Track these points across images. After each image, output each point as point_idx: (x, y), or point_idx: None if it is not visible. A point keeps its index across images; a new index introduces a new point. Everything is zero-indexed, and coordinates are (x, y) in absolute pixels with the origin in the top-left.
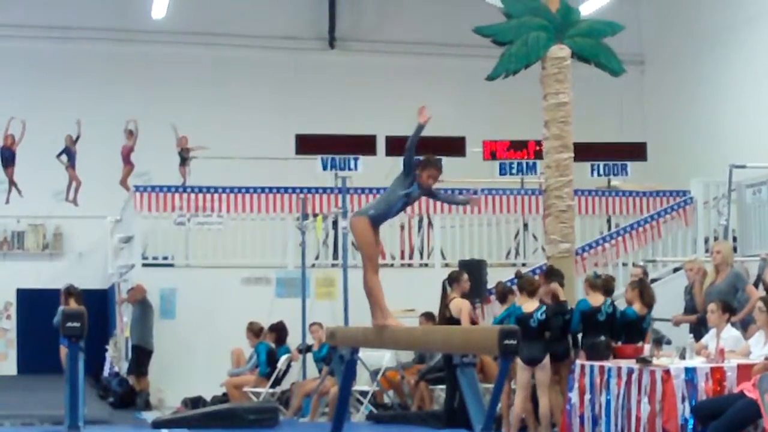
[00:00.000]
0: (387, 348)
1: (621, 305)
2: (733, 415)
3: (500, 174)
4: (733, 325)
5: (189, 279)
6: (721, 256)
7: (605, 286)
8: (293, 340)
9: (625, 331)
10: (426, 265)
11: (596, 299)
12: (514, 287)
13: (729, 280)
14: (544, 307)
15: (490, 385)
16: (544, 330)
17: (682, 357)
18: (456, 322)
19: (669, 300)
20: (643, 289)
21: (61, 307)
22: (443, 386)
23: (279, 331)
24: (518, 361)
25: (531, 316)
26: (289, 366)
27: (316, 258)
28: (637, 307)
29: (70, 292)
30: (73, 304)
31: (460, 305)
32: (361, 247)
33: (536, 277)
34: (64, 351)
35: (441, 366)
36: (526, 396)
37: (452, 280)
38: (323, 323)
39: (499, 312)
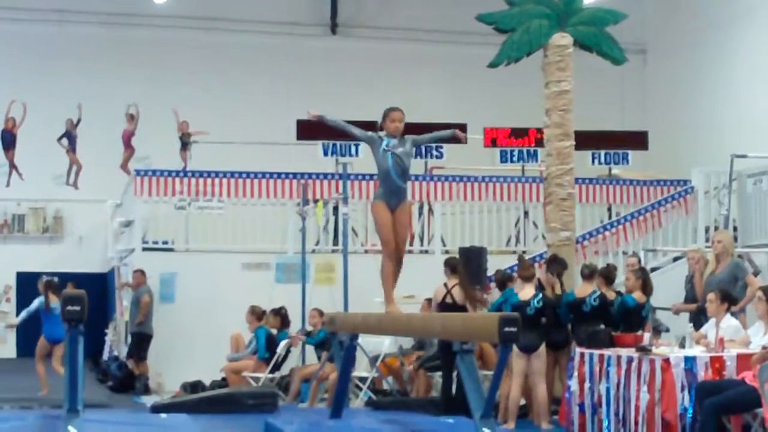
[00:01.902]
0: (386, 334)
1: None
2: (732, 396)
3: (501, 161)
4: (732, 314)
5: (189, 263)
6: (721, 245)
7: (605, 275)
8: (293, 326)
9: (624, 319)
10: (426, 251)
11: (583, 290)
12: (514, 274)
13: (729, 269)
14: (541, 295)
15: (490, 372)
16: (541, 318)
17: (682, 346)
18: (457, 308)
19: (669, 289)
20: (646, 278)
21: (40, 299)
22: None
23: (281, 316)
24: (514, 348)
25: (528, 303)
26: (288, 351)
27: (316, 244)
28: (637, 295)
29: (50, 285)
30: (53, 298)
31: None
32: (376, 231)
33: (536, 266)
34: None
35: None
36: (522, 383)
37: (453, 267)
38: (323, 309)
39: None
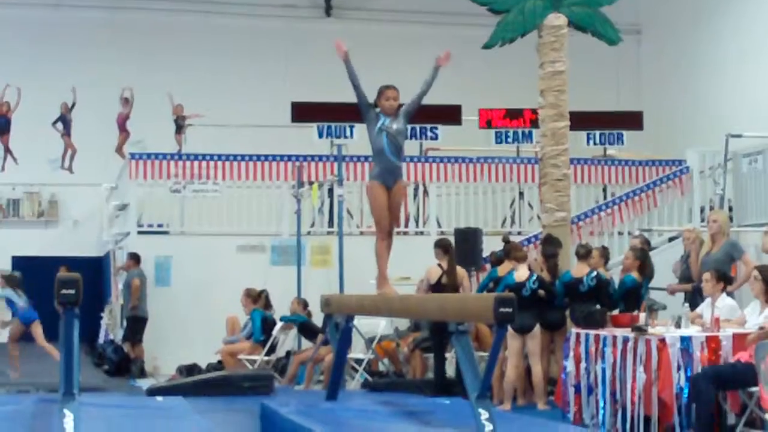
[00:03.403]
0: (382, 316)
1: (616, 274)
2: (729, 370)
3: (496, 142)
4: (728, 294)
5: (184, 246)
6: (717, 225)
7: (605, 255)
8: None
9: (623, 299)
10: (422, 233)
11: (579, 270)
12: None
13: (725, 249)
14: (536, 276)
15: (486, 353)
16: (537, 298)
17: (678, 326)
18: (448, 289)
19: (665, 269)
20: (644, 259)
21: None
22: None
23: (265, 298)
24: (509, 329)
25: (524, 285)
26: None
27: (312, 226)
28: (635, 275)
29: (9, 279)
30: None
31: (462, 274)
32: (371, 211)
33: (531, 246)
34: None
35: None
36: (517, 364)
37: (445, 248)
38: (319, 291)
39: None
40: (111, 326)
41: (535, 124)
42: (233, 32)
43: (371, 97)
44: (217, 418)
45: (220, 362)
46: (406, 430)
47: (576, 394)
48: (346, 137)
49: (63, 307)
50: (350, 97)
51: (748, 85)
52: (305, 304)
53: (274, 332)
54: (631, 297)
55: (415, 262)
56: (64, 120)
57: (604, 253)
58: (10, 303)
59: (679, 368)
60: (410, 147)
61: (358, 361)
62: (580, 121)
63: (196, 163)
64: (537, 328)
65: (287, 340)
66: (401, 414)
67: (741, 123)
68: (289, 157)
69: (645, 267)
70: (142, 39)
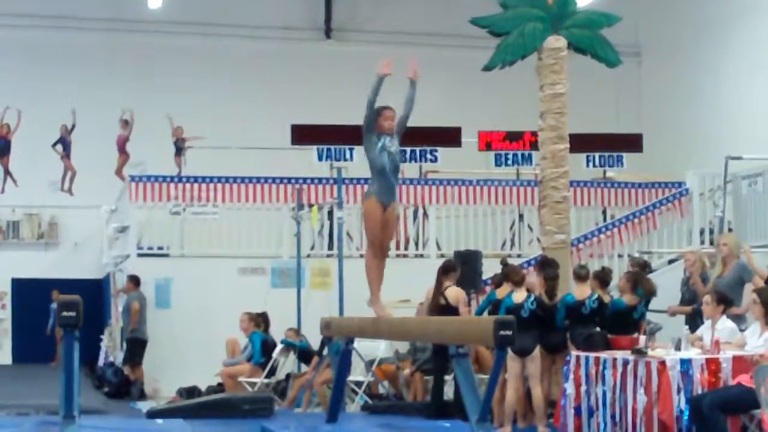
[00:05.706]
0: (382, 338)
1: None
2: (731, 394)
3: (496, 165)
4: (737, 316)
5: (184, 269)
6: (727, 248)
7: (600, 277)
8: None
9: (616, 321)
10: (421, 255)
11: (581, 292)
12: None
13: (736, 272)
14: (533, 297)
15: (486, 376)
16: (536, 320)
17: (678, 348)
18: (451, 310)
19: (665, 291)
20: (638, 280)
21: None
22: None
23: (264, 321)
24: (509, 351)
25: (522, 306)
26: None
27: (312, 248)
28: (627, 297)
29: None
30: None
31: (458, 294)
32: (365, 229)
33: (531, 269)
34: None
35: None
36: (517, 386)
37: (448, 269)
38: (319, 314)
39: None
40: (111, 348)
41: (534, 146)
42: (233, 54)
43: None
44: None
45: (220, 384)
46: None
47: (576, 416)
48: (345, 160)
49: (63, 329)
50: (350, 120)
51: (747, 108)
52: (297, 332)
53: (274, 355)
54: (625, 319)
55: (414, 284)
56: (64, 142)
57: (599, 275)
58: None
59: (679, 390)
60: (410, 169)
61: (358, 384)
62: (580, 143)
63: (195, 185)
64: (537, 350)
65: (287, 362)
66: None
67: (741, 145)
68: (289, 179)
69: (638, 288)
70: (142, 61)
